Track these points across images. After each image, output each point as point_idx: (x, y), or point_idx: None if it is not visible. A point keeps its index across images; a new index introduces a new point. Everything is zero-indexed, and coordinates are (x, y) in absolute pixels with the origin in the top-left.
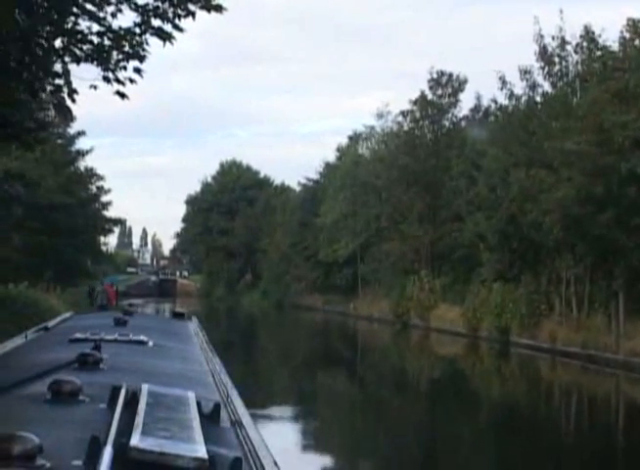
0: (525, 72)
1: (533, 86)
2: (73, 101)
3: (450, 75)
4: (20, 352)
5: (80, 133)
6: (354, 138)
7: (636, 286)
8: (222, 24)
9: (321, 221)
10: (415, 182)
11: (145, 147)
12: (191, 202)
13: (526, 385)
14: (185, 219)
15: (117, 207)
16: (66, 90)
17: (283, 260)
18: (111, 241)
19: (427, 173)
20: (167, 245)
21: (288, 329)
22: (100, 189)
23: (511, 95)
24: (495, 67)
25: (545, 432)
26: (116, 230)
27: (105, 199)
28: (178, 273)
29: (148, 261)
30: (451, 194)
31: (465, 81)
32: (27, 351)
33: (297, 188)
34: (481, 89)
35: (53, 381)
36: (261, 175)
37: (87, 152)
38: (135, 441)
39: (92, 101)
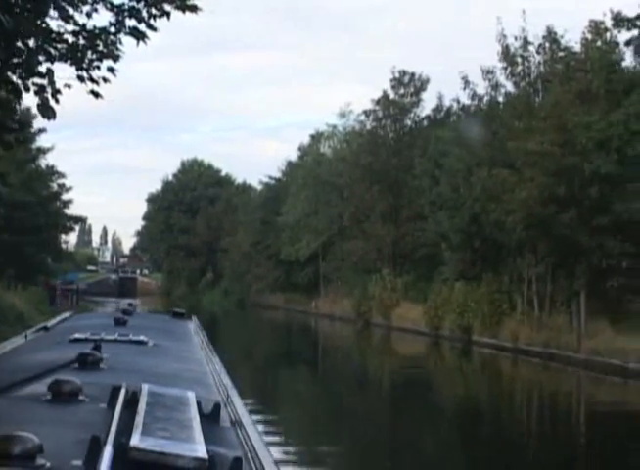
0: (487, 73)
1: (496, 86)
2: (57, 101)
3: (412, 75)
4: (20, 352)
5: (42, 130)
6: (316, 137)
7: (597, 285)
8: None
9: (283, 220)
10: (377, 181)
11: (103, 142)
12: (152, 200)
13: (486, 384)
14: (146, 217)
15: (77, 204)
16: (49, 90)
17: (244, 259)
18: (70, 239)
19: (389, 173)
20: (127, 243)
21: (248, 328)
22: (61, 187)
23: (473, 95)
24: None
25: (501, 430)
26: (76, 228)
27: (65, 197)
28: (138, 271)
29: (108, 260)
30: (414, 193)
31: (427, 81)
32: (27, 351)
33: (259, 187)
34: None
35: (53, 381)
36: (223, 173)
37: (48, 149)
38: (135, 441)
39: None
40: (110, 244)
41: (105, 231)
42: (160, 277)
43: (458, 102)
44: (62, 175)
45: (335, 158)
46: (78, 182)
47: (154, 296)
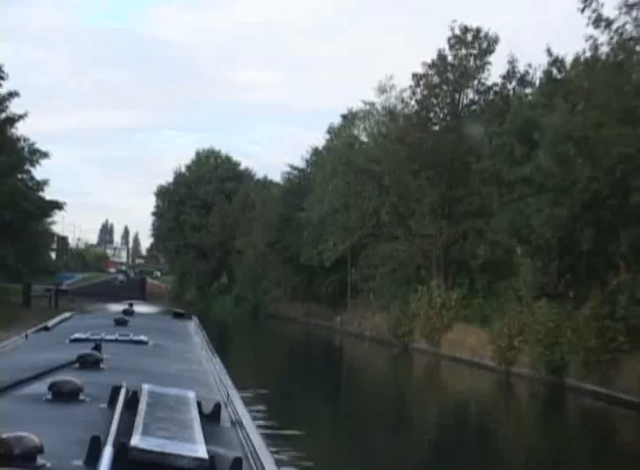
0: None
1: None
2: None
3: (478, 32)
4: (20, 352)
5: (13, 94)
6: (350, 117)
7: None
8: None
9: (306, 216)
10: (427, 165)
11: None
12: (162, 194)
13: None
14: (155, 213)
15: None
16: None
17: (260, 262)
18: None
19: (443, 154)
20: (146, 243)
21: (260, 346)
22: (33, 154)
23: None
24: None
25: None
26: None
27: (41, 174)
28: (158, 273)
29: (124, 260)
30: (478, 180)
31: (496, 40)
32: (27, 351)
33: (282, 181)
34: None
35: (53, 381)
36: (242, 167)
37: (20, 117)
38: (136, 441)
39: None
40: (131, 244)
41: (126, 231)
42: (171, 280)
43: (530, 66)
44: (44, 154)
45: (374, 138)
46: (102, 181)
47: (164, 299)
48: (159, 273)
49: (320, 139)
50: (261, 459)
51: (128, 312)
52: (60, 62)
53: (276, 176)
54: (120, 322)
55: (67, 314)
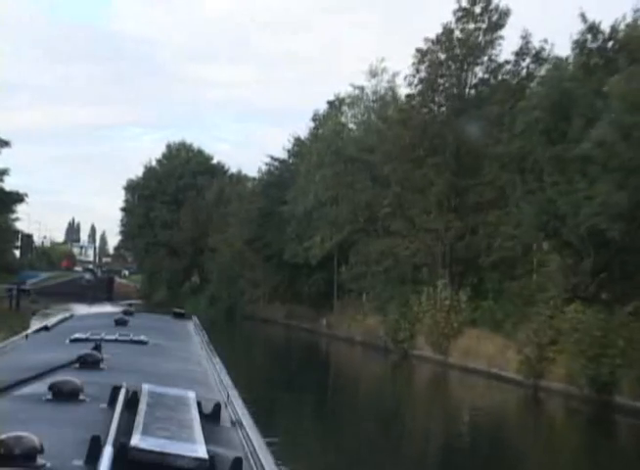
0: None
1: None
2: None
3: (487, 3)
4: (20, 352)
5: None
6: (337, 104)
7: None
8: None
9: (289, 210)
10: (433, 151)
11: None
12: (131, 188)
13: None
14: (124, 209)
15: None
16: None
17: (236, 259)
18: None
19: (449, 139)
20: (113, 242)
21: (236, 352)
22: None
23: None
24: None
25: None
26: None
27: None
28: (126, 272)
29: (91, 258)
30: (495, 166)
31: (507, 13)
32: (28, 351)
33: (259, 175)
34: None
35: (53, 381)
36: (215, 161)
37: None
38: (136, 440)
39: None
40: (97, 242)
41: (93, 230)
42: (140, 279)
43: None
44: (5, 143)
45: (362, 127)
46: (68, 179)
47: (133, 300)
48: (127, 272)
49: (298, 133)
50: (261, 459)
51: (128, 312)
52: (21, 56)
53: (249, 173)
54: (120, 322)
55: (66, 314)
